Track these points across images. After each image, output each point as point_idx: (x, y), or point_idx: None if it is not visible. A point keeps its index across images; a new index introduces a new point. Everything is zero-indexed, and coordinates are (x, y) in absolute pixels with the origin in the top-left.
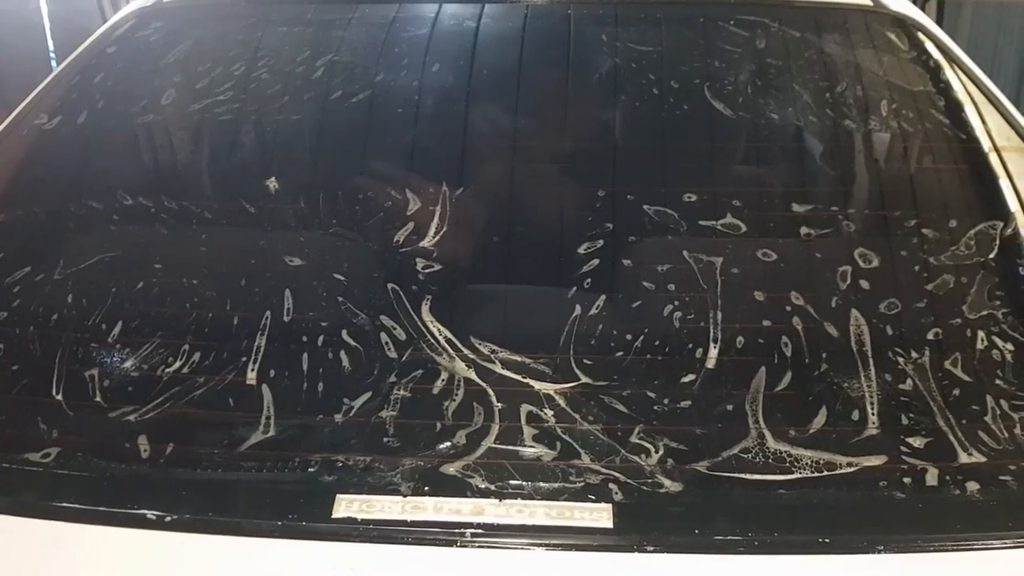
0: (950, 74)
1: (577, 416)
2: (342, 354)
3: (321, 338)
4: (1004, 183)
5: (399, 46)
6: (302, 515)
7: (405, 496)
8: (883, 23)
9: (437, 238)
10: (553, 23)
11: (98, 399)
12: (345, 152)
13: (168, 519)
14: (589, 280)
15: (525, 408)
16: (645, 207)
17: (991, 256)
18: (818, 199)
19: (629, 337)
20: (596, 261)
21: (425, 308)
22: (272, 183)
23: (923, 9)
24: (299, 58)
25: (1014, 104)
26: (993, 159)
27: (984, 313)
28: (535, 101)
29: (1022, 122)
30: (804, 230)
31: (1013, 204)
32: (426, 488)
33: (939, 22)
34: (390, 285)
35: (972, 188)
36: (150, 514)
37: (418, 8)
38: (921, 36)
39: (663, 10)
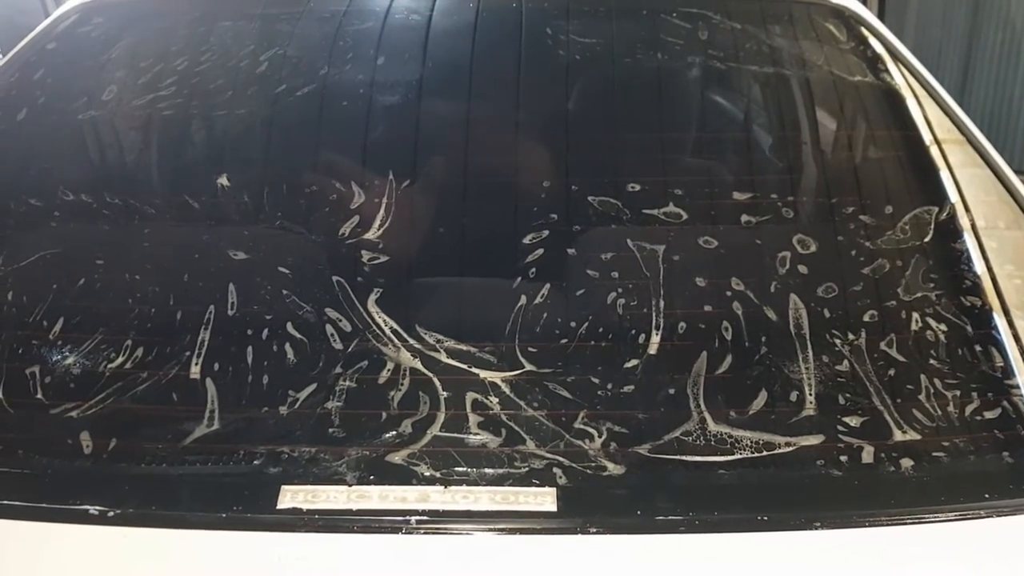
0: (889, 66)
1: (522, 403)
2: (287, 347)
3: (266, 331)
4: (941, 171)
5: (345, 40)
6: (247, 507)
7: (350, 485)
8: (824, 15)
9: (382, 230)
10: (501, 17)
11: (39, 396)
12: (290, 146)
13: (111, 514)
14: (534, 270)
15: (470, 396)
16: (590, 198)
17: (926, 240)
18: (758, 187)
19: (573, 325)
20: (541, 251)
21: (371, 300)
22: (224, 180)
23: (864, 2)
24: (243, 52)
25: (959, 96)
26: (930, 149)
27: (919, 295)
28: (481, 94)
29: (959, 112)
30: (744, 217)
31: (949, 191)
32: (371, 477)
33: (881, 15)
34: (335, 277)
35: (909, 176)
36: (92, 509)
37: (366, 2)
38: (861, 28)
39: (608, 3)
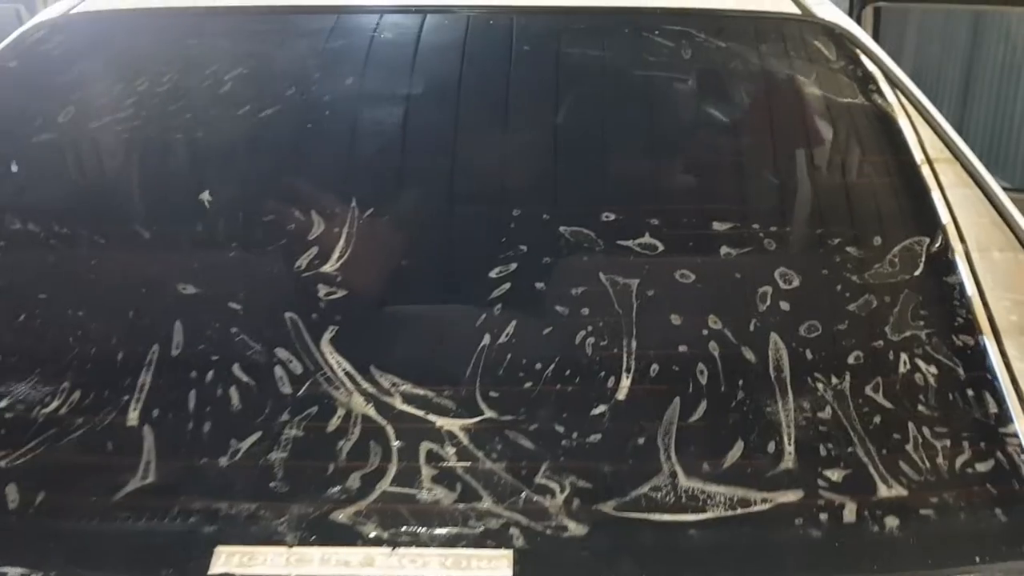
0: (881, 87)
1: (480, 454)
2: (232, 391)
3: (211, 373)
4: (933, 197)
5: (317, 59)
6: (178, 570)
7: (290, 546)
8: (812, 33)
9: (341, 262)
10: (474, 40)
11: None
12: (249, 172)
13: None
14: (500, 306)
15: (425, 446)
16: (561, 228)
17: (916, 273)
18: (739, 216)
19: (539, 367)
20: (508, 285)
21: (325, 339)
22: (176, 208)
23: (859, 18)
24: (207, 72)
25: (959, 111)
26: (921, 172)
27: (907, 335)
28: (448, 119)
29: (952, 135)
30: (724, 249)
31: (942, 219)
32: (313, 537)
33: (876, 32)
34: (288, 314)
35: (899, 202)
36: (13, 571)
37: (334, 20)
38: (851, 46)
39: (585, 20)
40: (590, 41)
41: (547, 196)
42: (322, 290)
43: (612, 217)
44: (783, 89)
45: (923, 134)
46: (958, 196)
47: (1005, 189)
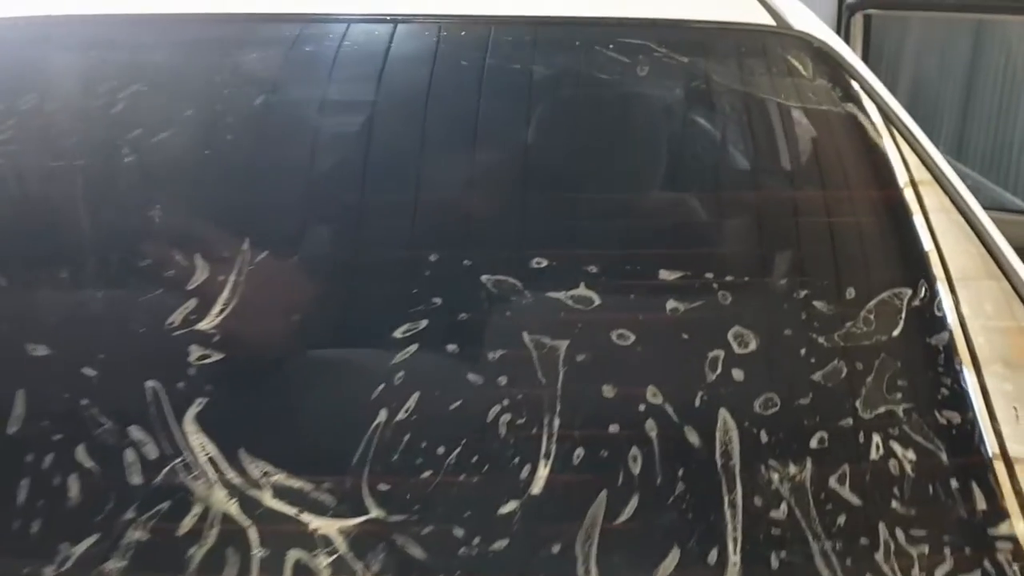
0: (861, 104)
1: (360, 566)
2: (72, 479)
3: (50, 457)
4: (916, 241)
5: (222, 74)
6: None
7: None
8: (785, 46)
9: (222, 318)
10: (386, 52)
11: None
12: (126, 207)
13: None
14: (402, 374)
15: (293, 555)
16: (484, 277)
17: (895, 334)
18: (690, 263)
19: (441, 451)
20: (414, 348)
21: (190, 414)
22: (34, 251)
23: (847, 27)
24: (101, 89)
25: (960, 124)
26: (903, 203)
27: (881, 411)
28: (358, 148)
29: (935, 156)
30: (671, 304)
31: (927, 267)
32: None
33: (866, 41)
34: (151, 383)
35: (878, 243)
36: None
37: (261, 29)
38: (830, 61)
39: (524, 33)
40: (528, 57)
41: (469, 238)
42: (194, 352)
43: (543, 263)
44: (750, 111)
45: (906, 158)
46: (942, 223)
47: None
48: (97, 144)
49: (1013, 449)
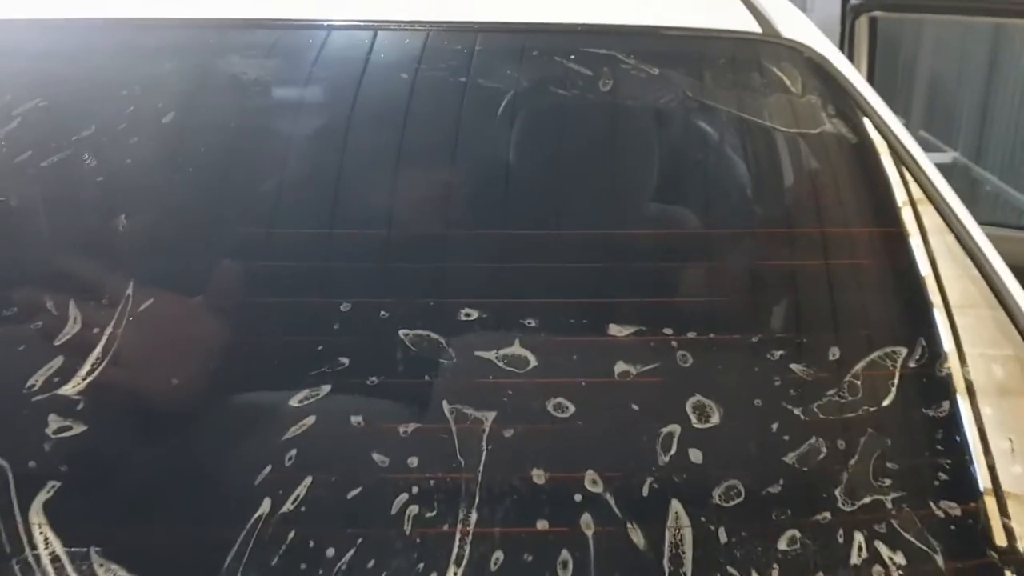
0: (856, 125)
1: None
2: None
3: None
4: (916, 282)
5: (130, 86)
6: None
7: None
8: (772, 57)
9: (91, 379)
10: (313, 61)
11: None
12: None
13: None
14: (293, 453)
15: None
16: (402, 331)
17: (885, 404)
18: (645, 316)
19: (331, 554)
20: (312, 420)
21: (38, 502)
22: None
23: (851, 30)
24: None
25: (978, 129)
26: (899, 246)
27: (867, 500)
28: (266, 172)
29: (932, 176)
30: (620, 367)
31: (924, 320)
32: None
33: (872, 45)
34: None
35: (868, 293)
36: None
37: (164, 33)
38: (821, 74)
39: (471, 41)
40: (474, 69)
41: (387, 283)
42: (53, 424)
43: (473, 315)
44: (728, 134)
45: (906, 180)
46: (941, 246)
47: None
48: None
49: None
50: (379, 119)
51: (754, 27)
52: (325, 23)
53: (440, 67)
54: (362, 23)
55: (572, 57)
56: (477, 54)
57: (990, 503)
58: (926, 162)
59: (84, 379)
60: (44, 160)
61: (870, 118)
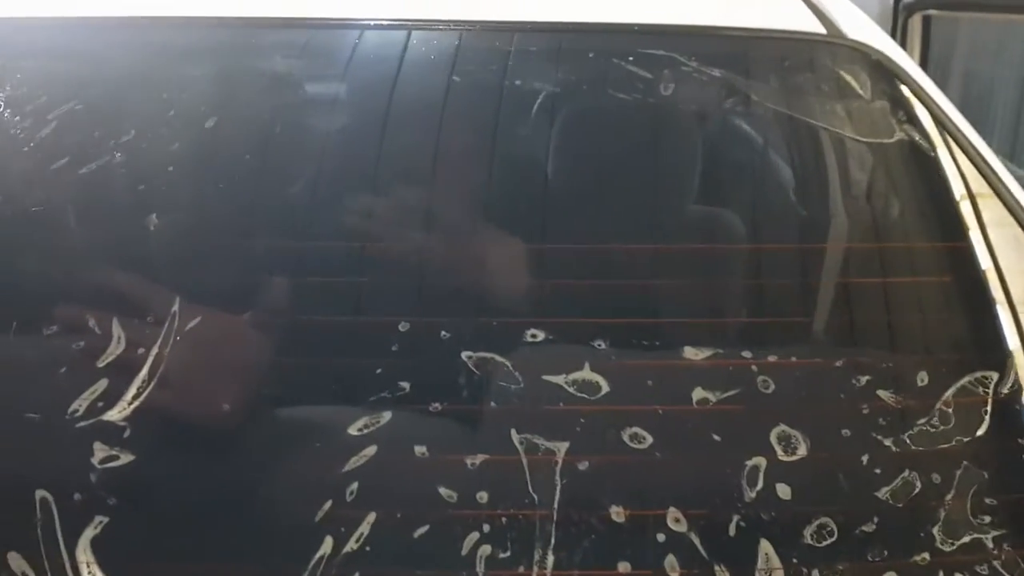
0: (931, 137)
1: None
2: None
3: None
4: (991, 292)
5: (173, 89)
6: None
7: None
8: (838, 59)
9: (137, 404)
10: (347, 64)
11: None
12: (36, 259)
13: None
14: (355, 487)
15: None
16: (465, 354)
17: (979, 434)
18: (723, 339)
19: None
20: (373, 449)
21: (85, 538)
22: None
23: (903, 29)
24: (30, 107)
25: (1013, 134)
26: (981, 261)
27: (967, 540)
28: (319, 179)
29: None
30: (698, 394)
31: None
32: None
33: (925, 45)
34: (41, 493)
35: (955, 314)
36: None
37: (215, 37)
38: (891, 78)
39: (533, 41)
40: (531, 72)
41: (447, 302)
42: (99, 453)
43: (540, 337)
44: (797, 142)
45: (991, 213)
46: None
47: None
48: (16, 176)
49: None
50: (438, 129)
51: (818, 28)
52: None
53: (494, 71)
54: (414, 22)
55: (630, 59)
56: (536, 57)
57: None
58: (1007, 176)
59: (130, 404)
60: (82, 167)
61: (943, 124)
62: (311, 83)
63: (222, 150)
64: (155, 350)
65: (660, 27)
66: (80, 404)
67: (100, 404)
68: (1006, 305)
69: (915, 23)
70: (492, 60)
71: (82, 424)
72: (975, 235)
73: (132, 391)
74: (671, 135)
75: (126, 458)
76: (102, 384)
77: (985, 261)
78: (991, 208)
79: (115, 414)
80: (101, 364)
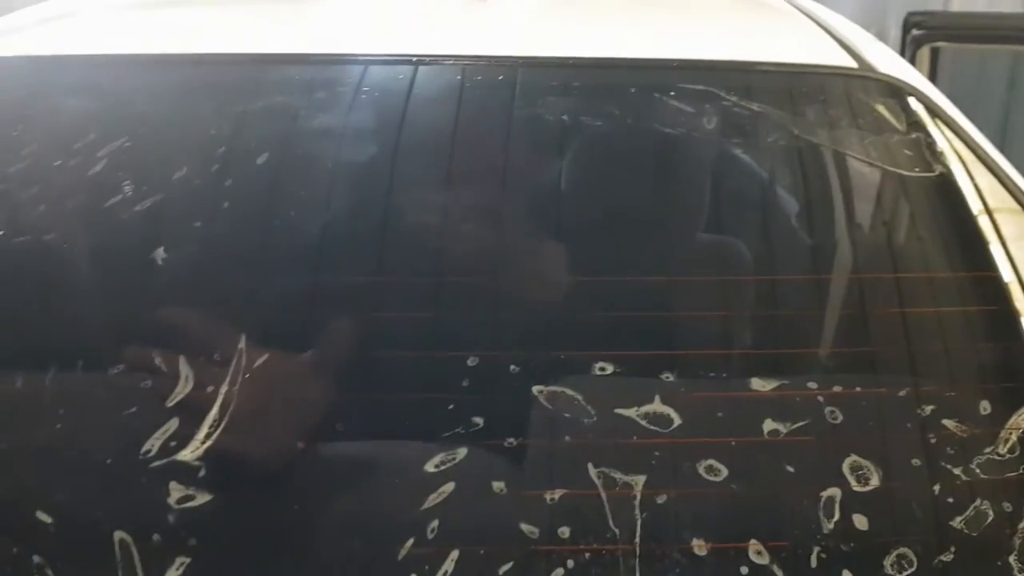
0: (969, 172)
1: None
2: None
3: None
4: None
5: (219, 126)
6: None
7: None
8: (871, 92)
9: (210, 443)
10: (406, 105)
11: None
12: (97, 298)
13: None
14: (436, 524)
15: None
16: (535, 388)
17: None
18: (789, 369)
19: None
20: (451, 486)
21: None
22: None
23: (912, 62)
24: (78, 145)
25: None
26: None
27: None
28: (377, 214)
29: None
30: (769, 425)
31: None
32: None
33: (932, 78)
34: (119, 534)
35: (1009, 333)
36: None
37: (261, 72)
38: (923, 111)
39: (574, 77)
40: (580, 107)
41: (516, 335)
42: (175, 492)
43: (608, 369)
44: (841, 176)
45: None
46: None
47: None
48: (71, 213)
49: None
50: (485, 162)
51: (847, 62)
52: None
53: (536, 104)
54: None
55: (671, 94)
56: (591, 92)
57: None
58: None
59: (202, 443)
60: (139, 204)
61: (977, 154)
62: (362, 121)
63: (281, 188)
64: (224, 388)
65: (697, 62)
66: (152, 444)
67: (173, 444)
68: None
69: (924, 56)
70: (542, 95)
71: (156, 464)
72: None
73: (204, 430)
74: (722, 169)
75: (203, 498)
76: (173, 424)
77: None
78: None
79: (188, 454)
80: (170, 403)
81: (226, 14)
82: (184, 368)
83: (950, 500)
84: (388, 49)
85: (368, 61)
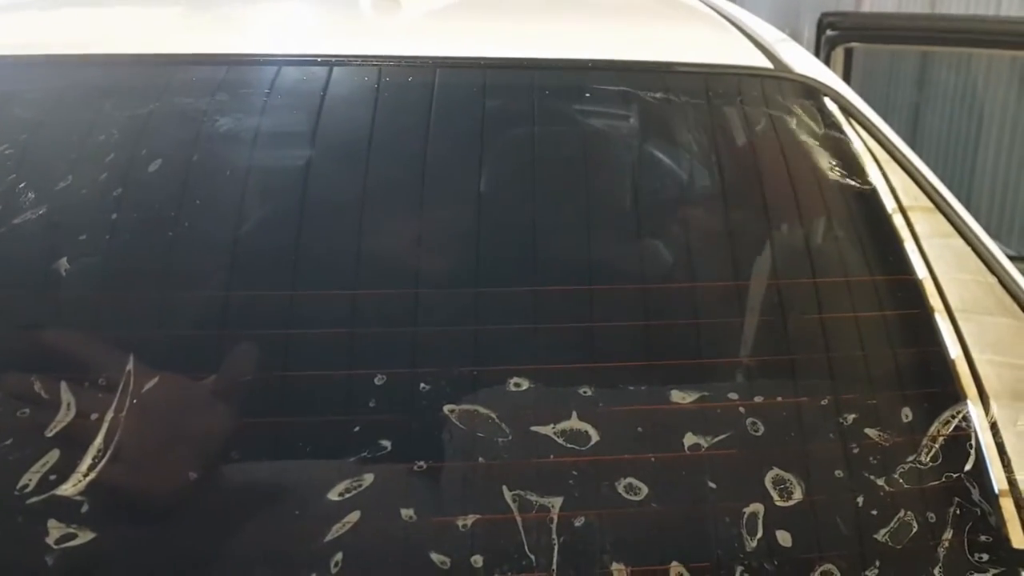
0: (886, 174)
1: None
2: None
3: None
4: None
5: (110, 131)
6: None
7: None
8: (787, 93)
9: (93, 475)
10: (321, 106)
11: None
12: None
13: None
14: (340, 557)
15: None
16: (447, 407)
17: (968, 468)
18: (708, 378)
19: None
20: (357, 515)
21: None
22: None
23: (826, 61)
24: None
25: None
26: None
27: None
28: (283, 222)
29: (993, 249)
30: (689, 439)
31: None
32: None
33: (847, 78)
34: None
35: (929, 339)
36: None
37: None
38: (839, 111)
39: (488, 77)
40: (497, 108)
41: (427, 352)
42: (54, 531)
43: (523, 385)
44: (760, 179)
45: (952, 246)
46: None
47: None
48: None
49: None
50: (400, 169)
51: (765, 63)
52: (322, 58)
53: (459, 105)
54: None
55: (587, 95)
56: (505, 90)
57: None
58: (959, 207)
59: (85, 476)
60: (16, 216)
61: (892, 154)
62: (282, 124)
63: (173, 200)
64: (109, 415)
65: (618, 63)
66: (30, 478)
67: (52, 477)
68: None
69: (838, 56)
70: (465, 96)
71: (31, 501)
72: (937, 269)
73: (87, 462)
74: (639, 172)
75: (85, 536)
76: (52, 456)
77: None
78: (947, 244)
79: (69, 488)
80: (51, 431)
81: (126, 13)
82: (65, 394)
83: (873, 512)
84: (299, 50)
85: (279, 62)
